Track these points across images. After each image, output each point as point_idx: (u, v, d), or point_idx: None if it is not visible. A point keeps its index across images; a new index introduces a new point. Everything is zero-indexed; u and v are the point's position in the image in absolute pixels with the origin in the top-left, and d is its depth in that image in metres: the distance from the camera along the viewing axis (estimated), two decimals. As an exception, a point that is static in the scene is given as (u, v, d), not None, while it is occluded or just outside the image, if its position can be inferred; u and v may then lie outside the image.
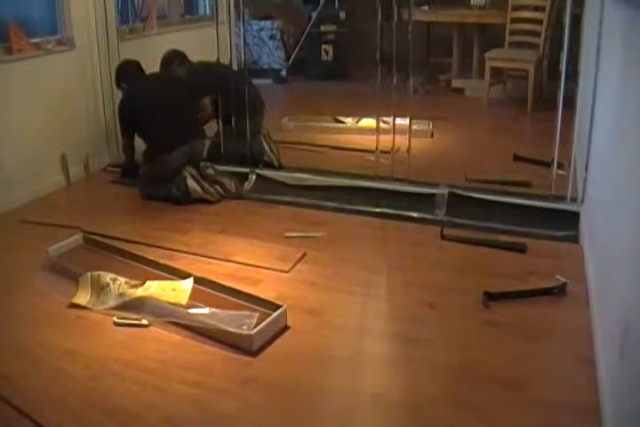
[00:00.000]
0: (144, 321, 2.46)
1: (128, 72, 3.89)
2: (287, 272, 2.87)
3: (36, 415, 1.97)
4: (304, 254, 3.02)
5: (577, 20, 3.45)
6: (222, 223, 3.39)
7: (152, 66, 4.12)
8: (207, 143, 4.03)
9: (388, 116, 3.88)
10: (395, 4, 3.87)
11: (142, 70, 3.93)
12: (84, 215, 3.52)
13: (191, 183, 3.66)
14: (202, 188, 3.68)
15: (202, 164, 3.84)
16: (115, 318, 2.49)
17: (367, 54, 4.49)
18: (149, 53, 4.37)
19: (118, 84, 3.94)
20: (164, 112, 3.73)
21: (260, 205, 3.66)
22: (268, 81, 6.93)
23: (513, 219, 3.30)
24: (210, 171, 3.80)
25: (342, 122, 5.14)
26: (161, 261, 2.89)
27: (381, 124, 3.89)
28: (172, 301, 2.57)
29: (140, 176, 3.82)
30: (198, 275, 2.75)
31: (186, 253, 3.06)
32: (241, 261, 2.96)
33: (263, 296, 2.56)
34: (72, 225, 3.32)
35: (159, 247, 3.11)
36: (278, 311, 2.41)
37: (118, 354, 2.28)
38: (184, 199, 3.65)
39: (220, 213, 3.55)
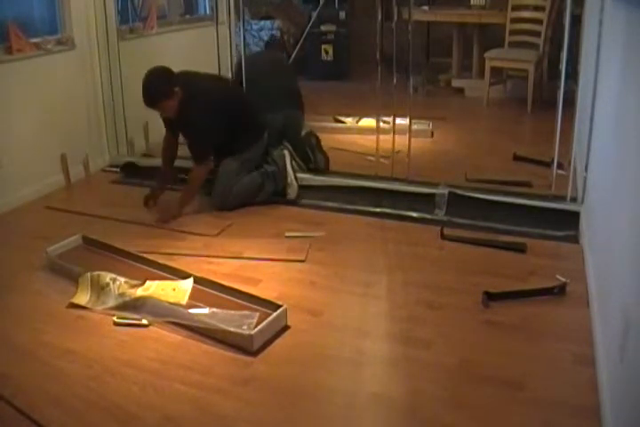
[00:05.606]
0: (144, 321, 2.46)
1: (174, 75, 3.37)
2: (304, 261, 2.93)
3: (36, 415, 1.97)
4: (311, 245, 3.07)
5: (577, 20, 3.46)
6: (222, 223, 3.39)
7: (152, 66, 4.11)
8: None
9: (388, 115, 3.88)
10: (395, 3, 3.87)
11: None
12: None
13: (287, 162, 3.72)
14: (292, 167, 3.72)
15: (304, 133, 4.02)
16: (115, 318, 2.49)
17: (367, 54, 4.48)
18: (149, 53, 4.37)
19: (167, 94, 3.27)
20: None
21: (261, 205, 3.66)
22: (268, 81, 6.92)
23: (513, 219, 3.30)
24: (313, 140, 3.99)
25: (342, 122, 5.15)
26: (161, 261, 2.89)
27: (381, 124, 3.90)
28: (171, 301, 2.57)
29: (225, 176, 3.55)
30: (198, 275, 2.75)
31: (186, 255, 3.05)
32: (253, 257, 2.99)
33: (263, 296, 2.55)
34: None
35: (159, 247, 3.11)
36: (278, 311, 2.41)
37: (118, 354, 2.29)
38: (279, 176, 3.66)
39: (220, 213, 3.54)
